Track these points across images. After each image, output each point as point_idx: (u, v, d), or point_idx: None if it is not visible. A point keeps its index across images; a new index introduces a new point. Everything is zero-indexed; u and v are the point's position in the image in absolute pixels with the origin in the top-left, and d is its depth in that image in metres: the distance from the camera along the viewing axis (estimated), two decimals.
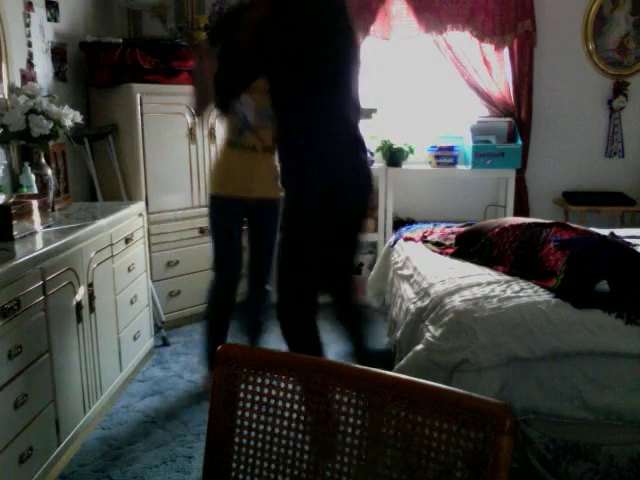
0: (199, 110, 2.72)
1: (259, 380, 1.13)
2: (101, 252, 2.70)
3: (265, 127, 2.73)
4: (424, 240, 3.23)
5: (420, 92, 4.48)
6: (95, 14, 3.88)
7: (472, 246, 2.91)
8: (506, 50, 4.29)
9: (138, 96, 3.49)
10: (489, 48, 4.28)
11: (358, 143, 2.34)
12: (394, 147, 4.21)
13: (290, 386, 1.11)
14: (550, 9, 4.30)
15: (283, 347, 2.32)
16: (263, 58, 2.23)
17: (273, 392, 1.12)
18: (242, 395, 1.14)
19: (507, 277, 2.56)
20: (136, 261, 3.15)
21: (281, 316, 2.37)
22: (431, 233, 3.34)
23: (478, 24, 4.22)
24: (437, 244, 3.17)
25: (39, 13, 3.18)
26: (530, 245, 2.64)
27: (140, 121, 3.52)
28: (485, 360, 2.13)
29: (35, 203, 2.47)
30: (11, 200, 2.46)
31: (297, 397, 1.11)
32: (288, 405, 1.11)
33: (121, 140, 3.60)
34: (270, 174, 2.78)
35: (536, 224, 2.76)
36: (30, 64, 3.08)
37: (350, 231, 2.44)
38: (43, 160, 2.89)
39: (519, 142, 4.23)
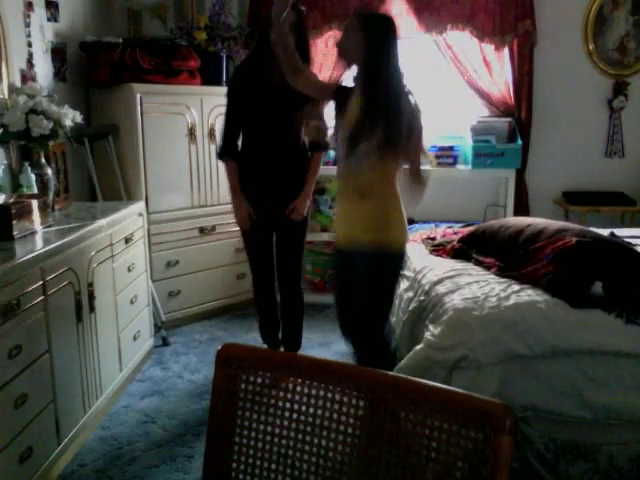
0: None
1: (259, 380, 1.13)
2: (101, 252, 2.70)
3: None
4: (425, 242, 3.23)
5: (420, 92, 4.46)
6: (95, 14, 3.88)
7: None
8: (506, 50, 4.28)
9: (138, 96, 3.49)
10: (489, 48, 4.28)
11: None
12: None
13: (290, 386, 1.11)
14: (550, 9, 4.30)
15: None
16: None
17: (273, 392, 1.12)
18: (242, 395, 1.14)
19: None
20: (136, 261, 3.15)
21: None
22: (433, 239, 3.31)
23: (478, 24, 4.21)
24: (437, 245, 3.16)
25: (39, 13, 3.17)
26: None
27: (140, 121, 3.52)
28: (484, 357, 2.14)
29: (35, 203, 2.46)
30: (11, 200, 2.46)
31: (297, 397, 1.11)
32: (288, 405, 1.11)
33: (121, 140, 3.60)
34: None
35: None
36: (30, 64, 3.08)
37: None
38: (43, 160, 2.89)
39: (519, 142, 4.23)
